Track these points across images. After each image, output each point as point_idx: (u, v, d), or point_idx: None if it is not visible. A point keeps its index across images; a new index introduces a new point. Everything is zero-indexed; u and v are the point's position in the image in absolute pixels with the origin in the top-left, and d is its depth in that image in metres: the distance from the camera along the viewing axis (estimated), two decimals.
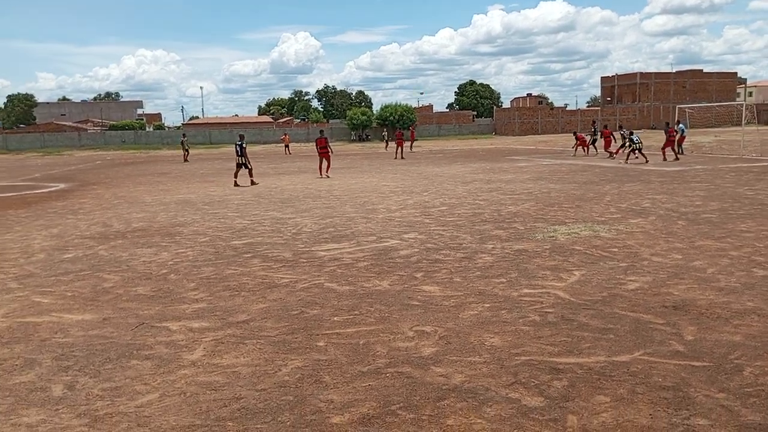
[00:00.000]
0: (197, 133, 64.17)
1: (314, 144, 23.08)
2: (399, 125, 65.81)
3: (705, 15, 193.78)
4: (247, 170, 19.65)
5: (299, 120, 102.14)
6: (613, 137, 28.33)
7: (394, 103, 68.70)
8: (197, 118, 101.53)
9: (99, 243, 9.97)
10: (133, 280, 7.38)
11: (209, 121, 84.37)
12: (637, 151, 24.08)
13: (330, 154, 21.85)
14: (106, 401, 4.09)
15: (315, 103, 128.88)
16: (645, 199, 13.16)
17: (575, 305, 5.84)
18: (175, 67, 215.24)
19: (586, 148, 30.05)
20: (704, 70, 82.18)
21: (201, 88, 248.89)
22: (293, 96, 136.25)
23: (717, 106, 46.65)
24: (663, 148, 24.76)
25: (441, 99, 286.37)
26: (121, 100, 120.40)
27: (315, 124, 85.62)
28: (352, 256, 8.38)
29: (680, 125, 29.21)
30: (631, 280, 6.66)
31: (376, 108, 74.16)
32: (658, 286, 6.38)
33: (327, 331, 5.32)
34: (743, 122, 30.71)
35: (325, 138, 21.94)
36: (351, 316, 5.71)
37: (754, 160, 23.41)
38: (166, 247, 9.40)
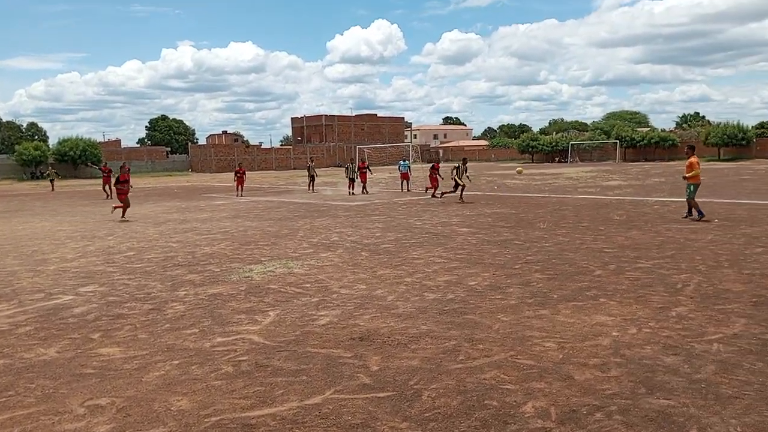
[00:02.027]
0: None
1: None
2: (81, 161, 59.68)
3: (377, 66, 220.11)
4: None
5: None
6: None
7: (74, 137, 62.08)
8: None
9: None
10: None
11: None
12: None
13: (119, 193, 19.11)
14: None
15: None
16: (333, 233, 13.99)
17: (270, 349, 5.72)
18: None
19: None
20: (378, 115, 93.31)
21: None
22: None
23: (390, 146, 53.06)
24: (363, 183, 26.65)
25: (131, 134, 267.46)
26: None
27: None
28: (10, 320, 6.97)
29: (405, 162, 31.10)
30: (322, 315, 6.84)
31: (53, 142, 65.70)
32: (347, 318, 6.68)
33: None
34: (410, 160, 35.38)
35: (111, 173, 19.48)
36: (3, 400, 4.64)
37: (419, 193, 27.02)
38: None
